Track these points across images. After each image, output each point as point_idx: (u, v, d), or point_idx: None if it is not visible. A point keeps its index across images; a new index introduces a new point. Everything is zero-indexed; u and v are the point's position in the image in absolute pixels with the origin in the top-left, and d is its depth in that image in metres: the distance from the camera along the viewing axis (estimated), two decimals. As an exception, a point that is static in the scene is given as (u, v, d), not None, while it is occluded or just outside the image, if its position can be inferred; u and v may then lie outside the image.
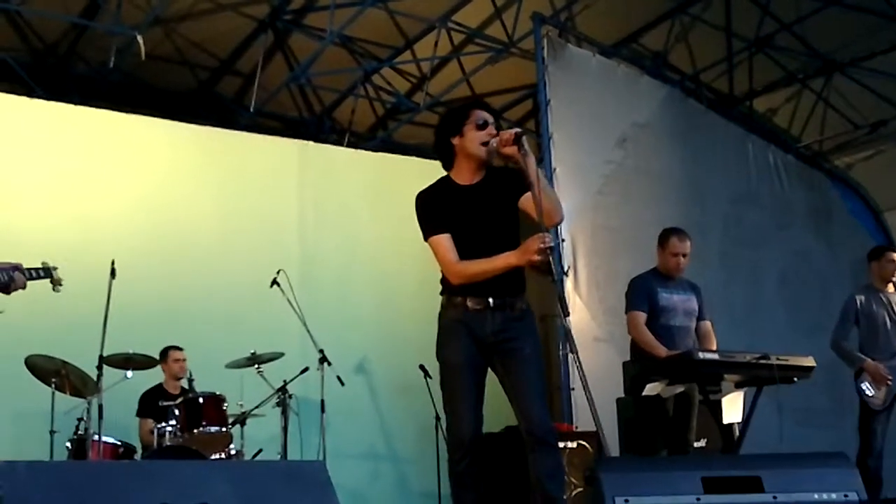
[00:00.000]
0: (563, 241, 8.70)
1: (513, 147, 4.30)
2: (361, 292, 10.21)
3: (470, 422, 4.38)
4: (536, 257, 4.20)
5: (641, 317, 6.29)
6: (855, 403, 7.15)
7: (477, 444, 4.38)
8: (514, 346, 4.41)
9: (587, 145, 9.41)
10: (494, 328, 4.41)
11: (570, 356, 8.28)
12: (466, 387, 4.41)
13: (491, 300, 4.41)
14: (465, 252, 4.43)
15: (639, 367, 6.20)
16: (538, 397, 4.38)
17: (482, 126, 4.46)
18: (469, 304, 4.43)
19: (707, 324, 6.49)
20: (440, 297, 4.57)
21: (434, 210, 4.51)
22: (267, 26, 10.25)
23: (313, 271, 9.92)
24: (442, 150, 4.61)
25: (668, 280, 6.42)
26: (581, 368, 4.23)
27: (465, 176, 4.55)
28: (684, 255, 6.39)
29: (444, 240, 4.46)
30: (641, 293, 6.36)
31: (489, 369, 4.50)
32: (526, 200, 4.40)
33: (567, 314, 4.27)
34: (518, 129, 4.36)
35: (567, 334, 4.29)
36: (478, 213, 4.45)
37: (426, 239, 4.52)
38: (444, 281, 4.56)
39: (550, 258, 4.20)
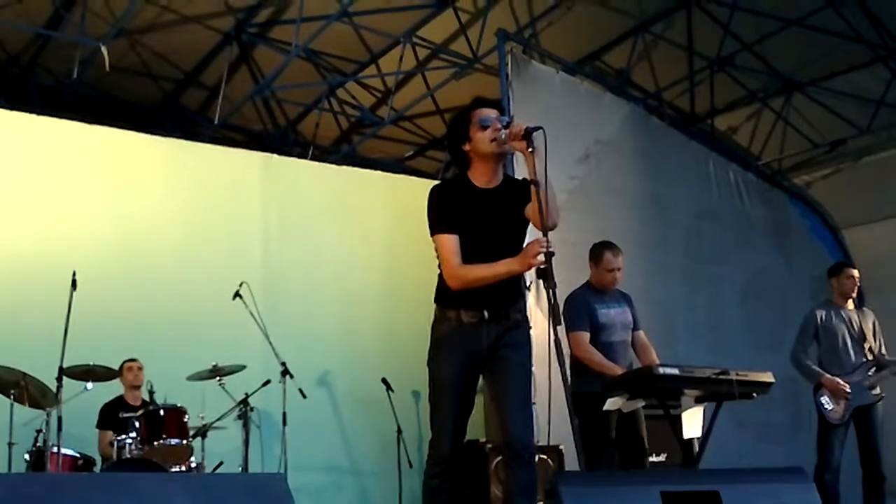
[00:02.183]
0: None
1: (522, 142, 4.24)
2: (324, 305, 10.18)
3: (452, 439, 4.39)
4: (537, 261, 4.17)
5: (585, 336, 6.27)
6: (813, 419, 7.23)
7: (456, 460, 4.40)
8: (505, 354, 4.40)
9: (550, 161, 9.35)
10: (490, 341, 4.39)
11: (534, 369, 8.31)
12: (454, 404, 4.41)
13: (486, 312, 4.38)
14: (471, 255, 4.37)
15: (587, 381, 6.13)
16: (520, 410, 4.38)
17: (485, 125, 4.40)
18: (463, 317, 4.40)
19: (641, 334, 6.52)
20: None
21: (448, 207, 4.43)
22: (232, 39, 10.25)
23: (276, 284, 9.89)
24: (457, 159, 4.58)
25: (602, 294, 6.45)
26: (566, 379, 4.21)
27: (481, 178, 4.50)
28: (619, 270, 6.42)
29: (451, 240, 4.39)
30: (582, 312, 6.33)
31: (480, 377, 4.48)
32: (530, 209, 4.36)
33: (559, 323, 4.21)
34: (529, 125, 4.28)
35: (557, 343, 4.22)
36: (491, 217, 4.41)
37: (433, 235, 4.45)
38: (438, 291, 4.52)
39: (550, 263, 4.15)
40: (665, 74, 11.12)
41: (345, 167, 11.28)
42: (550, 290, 4.16)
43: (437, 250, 4.45)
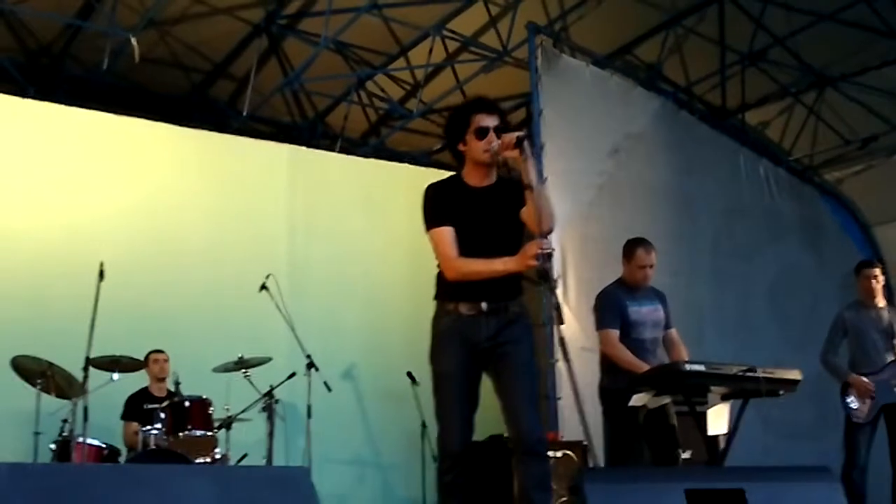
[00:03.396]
0: (553, 250, 8.70)
1: (514, 150, 4.27)
2: (350, 298, 10.19)
3: (460, 432, 4.37)
4: (534, 262, 4.19)
5: (615, 334, 6.24)
6: (840, 418, 7.17)
7: (466, 454, 4.38)
8: (507, 350, 4.39)
9: (579, 155, 9.42)
10: (489, 333, 4.39)
11: (559, 364, 8.30)
12: (458, 397, 4.41)
13: (485, 305, 4.39)
14: (465, 253, 4.39)
15: (617, 379, 6.13)
16: (529, 406, 4.36)
17: (482, 134, 4.42)
18: (462, 309, 4.42)
19: (674, 332, 6.46)
20: (433, 303, 4.56)
21: (441, 204, 4.48)
22: (262, 30, 10.26)
23: (302, 276, 9.91)
24: (453, 153, 4.63)
25: (635, 291, 6.38)
26: (573, 378, 4.21)
27: (474, 178, 4.54)
28: (651, 267, 6.36)
29: (447, 233, 4.43)
30: (613, 309, 6.30)
31: (484, 374, 4.47)
32: (526, 213, 4.38)
33: (561, 322, 4.24)
34: (520, 133, 4.32)
35: (562, 342, 4.26)
36: (484, 215, 4.44)
37: (428, 230, 4.49)
38: (438, 285, 4.55)
39: (548, 265, 4.19)
40: (696, 68, 11.03)
41: (373, 160, 11.28)
42: (551, 291, 4.25)
43: (434, 246, 4.49)
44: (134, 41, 9.07)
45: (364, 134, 12.38)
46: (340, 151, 11.60)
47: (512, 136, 4.30)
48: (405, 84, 11.50)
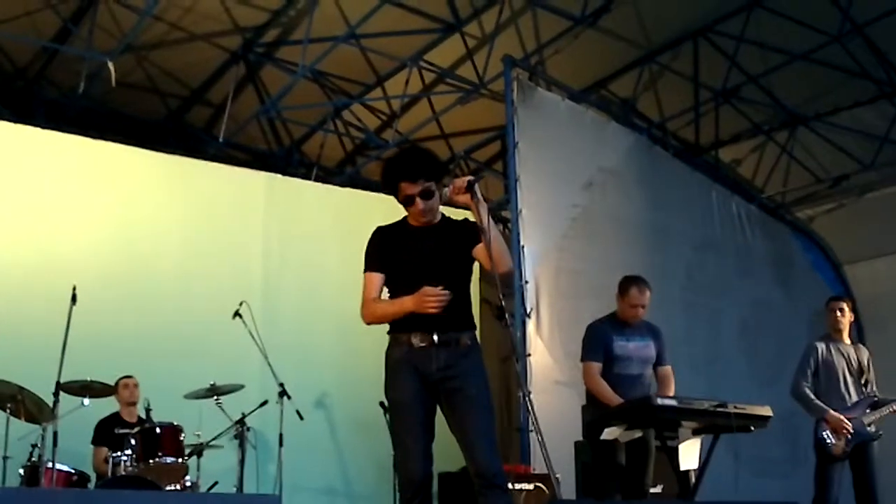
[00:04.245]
0: (526, 282, 8.75)
1: (465, 195, 4.33)
2: (324, 327, 10.17)
3: (419, 460, 4.36)
4: (431, 308, 4.28)
5: (596, 367, 6.32)
6: (810, 453, 7.20)
7: (427, 482, 4.37)
8: (458, 384, 4.40)
9: (554, 188, 9.48)
10: (439, 365, 4.40)
11: (531, 397, 8.32)
12: (414, 426, 4.40)
13: (436, 337, 4.40)
14: (409, 290, 4.41)
15: (596, 411, 6.22)
16: (484, 439, 4.36)
17: (409, 203, 4.47)
18: (414, 341, 4.43)
19: (667, 369, 6.52)
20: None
21: (379, 248, 4.54)
22: (239, 58, 10.30)
23: (276, 304, 9.89)
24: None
25: (625, 326, 6.43)
26: (533, 410, 4.24)
27: (417, 220, 4.57)
28: (643, 307, 6.42)
29: (375, 278, 4.51)
30: (597, 343, 6.38)
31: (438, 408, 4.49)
32: (479, 250, 4.45)
33: (517, 358, 4.29)
34: (471, 177, 4.38)
35: (519, 377, 4.31)
36: (425, 252, 4.47)
37: (364, 273, 4.56)
38: (390, 321, 4.56)
39: (502, 303, 4.26)
40: (670, 105, 11.15)
41: (348, 189, 11.30)
42: (510, 329, 4.30)
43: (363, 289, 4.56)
44: (111, 65, 9.07)
45: (340, 163, 12.41)
46: (316, 180, 11.61)
47: (463, 181, 4.35)
48: (381, 114, 11.56)
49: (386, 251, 4.52)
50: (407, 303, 4.37)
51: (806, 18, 9.46)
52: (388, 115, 11.47)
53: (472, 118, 11.27)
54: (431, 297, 4.29)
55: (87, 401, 7.30)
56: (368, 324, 4.53)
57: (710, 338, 10.27)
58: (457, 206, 4.47)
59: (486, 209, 4.36)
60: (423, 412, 4.43)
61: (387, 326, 4.58)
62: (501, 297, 4.33)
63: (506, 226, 10.70)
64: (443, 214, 4.62)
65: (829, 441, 6.94)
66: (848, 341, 7.26)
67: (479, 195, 4.34)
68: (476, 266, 4.63)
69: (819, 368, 7.15)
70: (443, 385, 4.42)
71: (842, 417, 6.90)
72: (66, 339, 6.78)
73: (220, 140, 10.74)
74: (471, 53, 10.23)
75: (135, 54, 9.98)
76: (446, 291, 4.30)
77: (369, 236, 4.60)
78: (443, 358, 4.41)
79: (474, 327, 4.58)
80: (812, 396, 7.08)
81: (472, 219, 4.50)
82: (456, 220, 4.62)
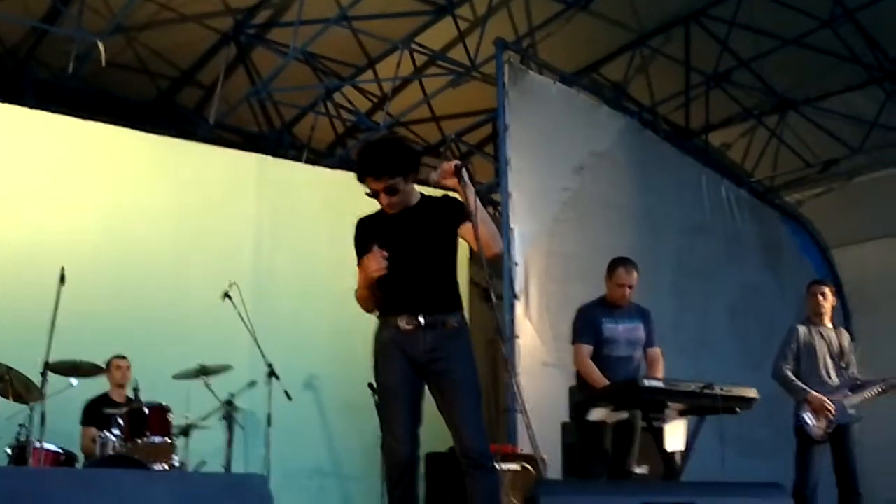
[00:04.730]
0: (515, 265, 8.76)
1: (453, 178, 4.35)
2: (313, 308, 10.17)
3: (407, 443, 4.39)
4: (373, 272, 4.35)
5: (586, 349, 6.38)
6: (794, 435, 7.23)
7: (414, 465, 4.41)
8: (446, 366, 4.43)
9: (544, 172, 9.49)
10: (426, 347, 4.43)
11: (518, 379, 8.35)
12: (402, 408, 4.43)
13: (422, 319, 4.44)
14: (395, 277, 4.44)
15: (584, 393, 6.26)
16: (472, 420, 4.39)
17: (375, 196, 4.49)
18: (401, 323, 4.46)
19: (656, 350, 6.56)
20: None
21: (362, 239, 4.57)
22: (230, 39, 10.28)
23: (266, 285, 9.89)
24: None
25: (614, 309, 6.48)
26: (520, 392, 4.28)
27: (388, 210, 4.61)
28: (630, 287, 6.46)
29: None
30: (587, 325, 6.45)
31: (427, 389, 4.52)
32: (465, 229, 4.47)
33: (504, 339, 4.32)
34: (458, 162, 4.41)
35: (506, 358, 4.35)
36: (404, 239, 4.48)
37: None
38: (378, 304, 4.60)
39: (491, 287, 4.32)
40: (661, 89, 11.16)
41: (339, 171, 11.27)
42: (495, 311, 4.45)
43: None
44: (101, 46, 9.04)
45: (331, 145, 12.40)
46: (307, 162, 11.62)
47: (450, 165, 4.38)
48: (372, 96, 11.54)
49: (367, 241, 4.53)
50: (359, 275, 4.47)
51: (797, 3, 9.48)
52: (379, 98, 11.46)
53: (464, 101, 11.26)
54: (371, 262, 4.35)
55: (75, 381, 7.30)
56: (368, 311, 4.61)
57: (699, 321, 10.29)
58: (445, 189, 4.48)
59: (474, 193, 4.37)
60: (411, 395, 4.46)
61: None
62: (489, 279, 4.36)
63: (496, 208, 10.70)
64: (422, 194, 4.63)
65: (809, 423, 6.98)
66: (830, 325, 7.29)
67: (466, 179, 4.36)
68: (465, 247, 4.65)
69: (800, 351, 7.18)
70: (430, 367, 4.45)
71: (824, 398, 6.94)
72: (54, 320, 6.77)
73: (211, 121, 10.73)
74: (462, 36, 10.22)
75: (125, 35, 9.97)
76: (384, 252, 4.35)
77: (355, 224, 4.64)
78: (430, 340, 4.44)
79: (461, 309, 4.60)
80: (793, 378, 7.12)
81: (453, 196, 4.52)
82: (436, 198, 4.63)
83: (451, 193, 4.53)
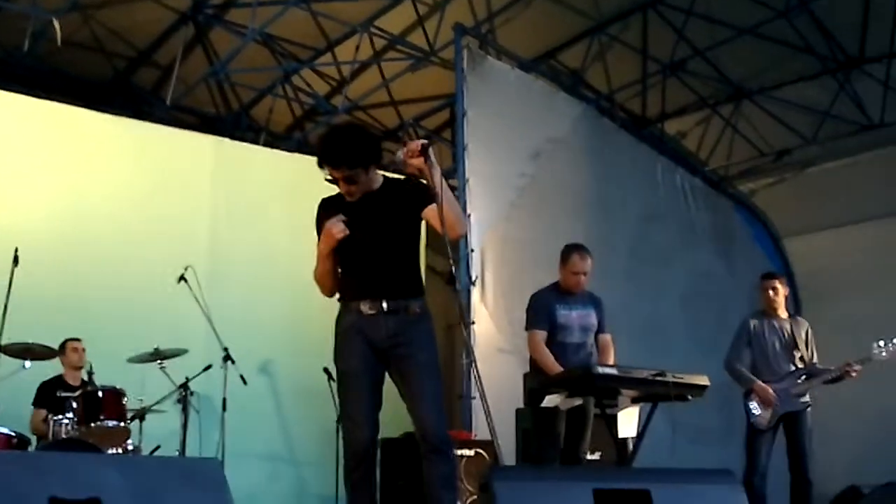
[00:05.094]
0: (471, 251, 8.79)
1: (419, 158, 4.33)
2: (270, 292, 10.14)
3: (366, 428, 4.40)
4: (339, 236, 4.35)
5: (540, 335, 6.42)
6: (744, 424, 7.36)
7: (372, 450, 4.43)
8: (408, 351, 4.44)
9: (501, 157, 9.52)
10: (388, 332, 4.44)
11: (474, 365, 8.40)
12: (363, 393, 4.43)
13: (385, 304, 4.44)
14: (358, 261, 4.47)
15: (538, 379, 6.31)
16: (433, 404, 4.41)
17: (335, 182, 4.47)
18: (363, 308, 4.46)
19: (607, 337, 6.62)
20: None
21: (326, 219, 4.51)
22: (188, 19, 10.19)
23: (222, 269, 9.83)
24: None
25: (568, 295, 6.53)
26: (479, 378, 4.30)
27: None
28: (584, 274, 6.50)
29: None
30: (542, 312, 6.48)
31: (387, 375, 4.53)
32: (430, 211, 4.46)
33: (467, 324, 4.33)
34: (424, 141, 4.40)
35: (466, 343, 4.36)
36: (367, 223, 4.46)
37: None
38: (340, 287, 4.60)
39: (453, 269, 4.30)
40: (618, 76, 11.22)
41: (296, 154, 11.24)
42: (458, 294, 4.32)
43: None
44: (56, 24, 8.94)
45: (288, 128, 12.35)
46: (264, 145, 11.55)
47: (417, 144, 4.36)
48: (331, 80, 11.50)
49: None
50: (320, 245, 4.45)
51: (753, -6, 9.57)
52: (337, 81, 11.42)
53: (422, 86, 11.26)
54: (333, 226, 4.35)
55: (28, 363, 7.24)
56: (327, 294, 4.60)
57: (652, 308, 10.40)
58: (411, 167, 4.45)
59: (440, 173, 4.36)
60: (371, 380, 4.46)
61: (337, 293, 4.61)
62: (452, 262, 4.36)
63: (453, 194, 10.72)
64: (385, 177, 4.62)
65: (755, 412, 7.12)
66: (784, 315, 7.41)
67: (432, 159, 4.34)
68: (423, 233, 4.66)
69: (752, 343, 7.32)
70: (392, 352, 4.46)
71: (767, 388, 7.08)
72: (7, 301, 6.74)
73: (168, 102, 10.64)
74: (422, 20, 10.22)
75: (81, 13, 9.84)
76: (343, 216, 4.35)
77: (317, 206, 4.62)
78: (392, 325, 4.45)
79: (424, 294, 4.61)
80: (742, 369, 7.27)
81: (416, 180, 4.52)
82: (399, 181, 4.63)
83: (416, 177, 4.52)
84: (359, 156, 4.41)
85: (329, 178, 4.46)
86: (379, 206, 4.52)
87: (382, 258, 4.48)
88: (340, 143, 4.42)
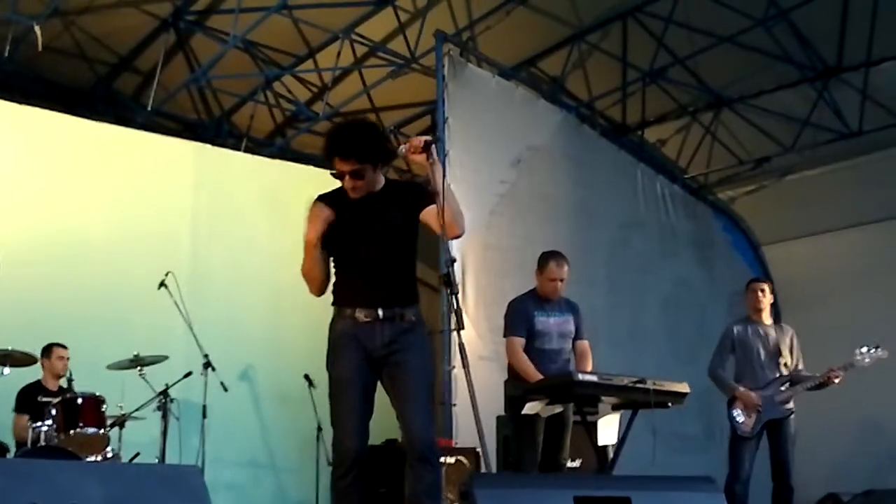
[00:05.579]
0: (454, 260, 8.76)
1: (421, 154, 4.30)
2: (251, 299, 10.14)
3: (356, 437, 4.36)
4: (330, 219, 4.30)
5: (519, 342, 6.42)
6: (726, 431, 7.39)
7: (362, 459, 4.38)
8: (402, 358, 4.41)
9: (482, 164, 9.54)
10: (384, 340, 4.41)
11: (455, 371, 8.41)
12: (354, 402, 4.40)
13: (381, 312, 4.41)
14: (354, 267, 4.44)
15: (518, 386, 6.31)
16: (422, 412, 4.38)
17: (339, 178, 4.42)
18: (358, 315, 4.42)
19: (584, 343, 6.62)
20: (332, 307, 4.55)
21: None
22: (169, 25, 10.16)
23: (203, 275, 9.81)
24: None
25: (545, 302, 6.53)
26: (471, 385, 4.28)
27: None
28: (561, 280, 6.51)
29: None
30: (520, 319, 6.47)
31: (379, 382, 4.49)
32: (427, 213, 4.41)
33: (462, 328, 4.30)
34: (428, 137, 4.35)
35: (461, 349, 4.32)
36: (365, 227, 4.44)
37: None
38: (335, 291, 4.54)
39: (450, 272, 4.25)
40: (598, 84, 11.26)
41: (278, 161, 11.24)
42: (454, 297, 4.28)
43: None
44: (37, 29, 8.90)
45: (269, 134, 12.33)
46: (245, 151, 11.54)
47: (420, 140, 4.32)
48: (312, 86, 11.50)
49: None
50: (306, 237, 4.36)
51: (732, 2, 9.61)
52: (319, 88, 11.42)
53: (403, 92, 11.27)
54: (322, 212, 4.31)
55: (7, 370, 7.22)
56: (315, 292, 4.46)
57: (632, 315, 10.44)
58: (412, 163, 4.40)
59: (442, 171, 4.33)
60: (363, 388, 4.43)
61: (316, 297, 4.55)
62: (447, 263, 4.30)
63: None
64: (386, 179, 4.57)
65: (738, 419, 7.15)
66: (769, 321, 7.44)
67: (435, 156, 4.31)
68: None
69: (735, 349, 7.35)
70: (386, 360, 4.42)
71: (750, 393, 7.11)
72: (-14, 308, 6.70)
73: (149, 108, 10.60)
74: (403, 27, 10.21)
75: (62, 19, 9.81)
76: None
77: (309, 205, 4.50)
78: (387, 334, 4.42)
79: (418, 302, 4.57)
80: (724, 376, 7.31)
81: (416, 183, 4.48)
82: (401, 183, 4.61)
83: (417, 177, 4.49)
84: (370, 151, 4.37)
85: (335, 172, 4.41)
86: (379, 207, 4.46)
87: (379, 264, 4.44)
88: (353, 136, 4.39)
